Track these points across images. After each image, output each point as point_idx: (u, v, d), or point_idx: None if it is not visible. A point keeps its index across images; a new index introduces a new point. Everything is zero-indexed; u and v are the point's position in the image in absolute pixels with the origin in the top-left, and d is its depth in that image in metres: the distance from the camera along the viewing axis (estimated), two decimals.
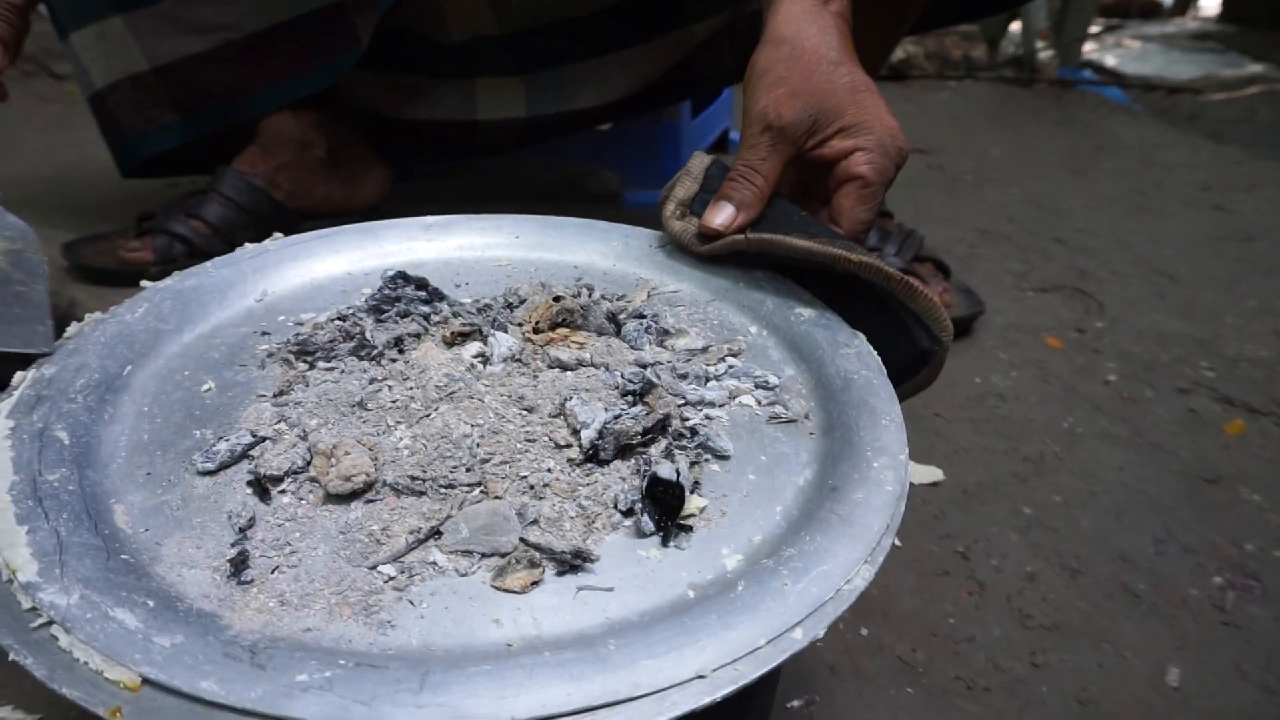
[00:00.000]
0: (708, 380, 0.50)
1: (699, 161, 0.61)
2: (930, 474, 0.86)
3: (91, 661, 0.31)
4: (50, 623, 0.33)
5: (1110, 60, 3.03)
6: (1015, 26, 2.77)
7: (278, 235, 0.62)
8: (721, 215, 0.56)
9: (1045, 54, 2.54)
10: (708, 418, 0.47)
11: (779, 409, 0.48)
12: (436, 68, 1.18)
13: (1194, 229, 1.52)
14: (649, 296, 0.58)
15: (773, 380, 0.50)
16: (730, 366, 0.51)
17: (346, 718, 0.30)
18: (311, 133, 1.18)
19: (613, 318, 0.54)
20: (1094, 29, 3.27)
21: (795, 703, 0.61)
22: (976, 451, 0.91)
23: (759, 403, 0.48)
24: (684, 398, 0.48)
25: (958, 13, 1.15)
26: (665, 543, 0.39)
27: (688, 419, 0.46)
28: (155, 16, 1.08)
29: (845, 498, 0.40)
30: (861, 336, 0.53)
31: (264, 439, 0.44)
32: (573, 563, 0.37)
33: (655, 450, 0.44)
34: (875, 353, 0.51)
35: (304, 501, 0.41)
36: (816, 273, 0.55)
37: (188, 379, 0.49)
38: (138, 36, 1.10)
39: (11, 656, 0.31)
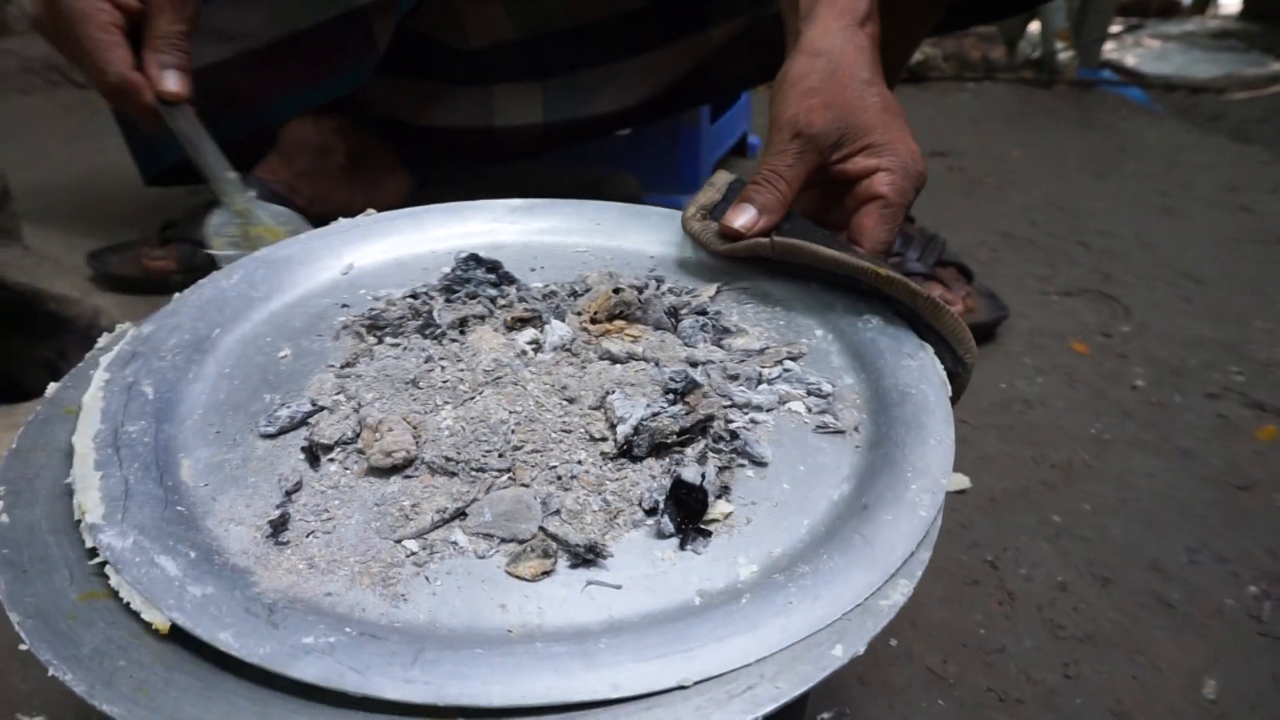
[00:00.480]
0: (759, 383, 0.49)
1: (722, 177, 0.61)
2: (958, 481, 0.85)
3: (133, 601, 0.34)
4: (105, 563, 0.36)
5: (1130, 60, 2.98)
6: (1034, 27, 2.74)
7: (370, 210, 0.64)
8: (743, 217, 0.56)
9: (1065, 55, 2.51)
10: (753, 422, 0.46)
11: (828, 418, 0.46)
12: (454, 74, 1.18)
13: (1220, 231, 1.49)
14: (718, 292, 0.57)
15: (826, 388, 0.48)
16: (785, 370, 0.50)
17: (340, 683, 0.31)
18: (331, 139, 1.19)
19: (673, 312, 0.54)
20: (1113, 29, 3.24)
21: (826, 715, 0.61)
22: (1003, 458, 0.90)
23: (808, 410, 0.47)
24: (731, 399, 0.47)
25: (979, 14, 1.14)
26: (683, 546, 0.39)
27: (732, 421, 0.46)
28: None
29: (873, 518, 0.39)
30: (928, 348, 0.51)
31: (322, 408, 0.46)
32: (586, 557, 0.38)
33: (691, 451, 0.44)
34: (940, 367, 0.50)
35: (349, 471, 0.42)
36: (838, 287, 0.55)
37: (268, 345, 0.52)
38: None
39: (51, 672, 0.32)
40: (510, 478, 0.41)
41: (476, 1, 1.10)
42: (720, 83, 1.22)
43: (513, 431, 0.43)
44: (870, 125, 0.56)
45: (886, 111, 0.57)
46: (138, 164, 1.24)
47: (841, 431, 0.46)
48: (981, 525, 0.80)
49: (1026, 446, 0.91)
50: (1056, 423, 0.96)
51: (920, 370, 0.49)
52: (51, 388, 0.47)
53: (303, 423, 0.45)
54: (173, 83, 0.72)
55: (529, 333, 0.51)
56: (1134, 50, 3.16)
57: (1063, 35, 2.49)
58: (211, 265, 0.58)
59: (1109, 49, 2.91)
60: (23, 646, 0.33)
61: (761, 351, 0.51)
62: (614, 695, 0.31)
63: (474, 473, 0.41)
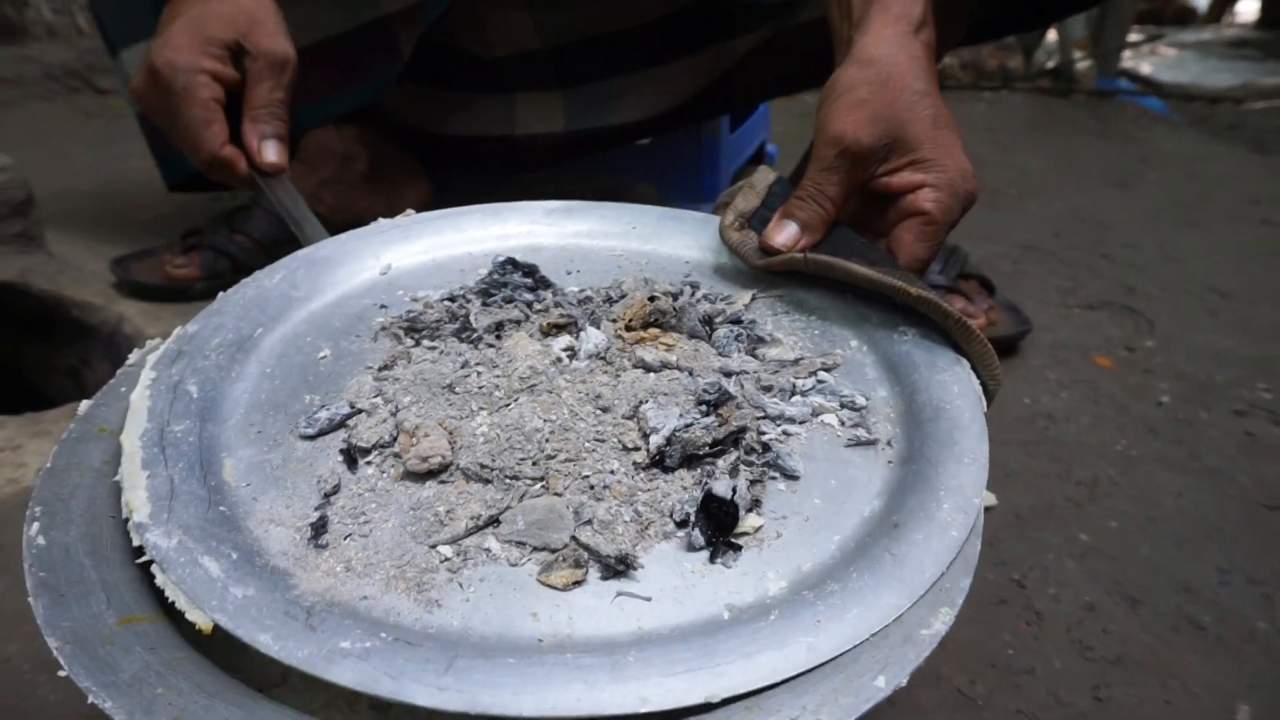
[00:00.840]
0: (793, 394, 0.49)
1: (763, 177, 0.60)
2: (985, 498, 0.84)
3: (178, 601, 0.35)
4: (150, 562, 0.36)
5: (1146, 69, 2.95)
6: (1051, 36, 2.72)
7: (410, 211, 0.64)
8: (785, 235, 0.55)
9: (1082, 64, 2.50)
10: (785, 434, 0.46)
11: (861, 432, 0.46)
12: (476, 82, 1.18)
13: (1244, 244, 1.47)
14: (753, 300, 0.57)
15: (860, 401, 0.48)
16: (819, 382, 0.50)
17: (375, 688, 0.32)
18: (354, 147, 1.19)
19: (708, 321, 0.54)
20: (1131, 37, 3.22)
21: None
22: (1028, 475, 0.89)
23: (842, 423, 0.47)
24: (764, 411, 0.47)
25: (1000, 28, 1.13)
26: (713, 559, 0.39)
27: (764, 433, 0.45)
28: None
29: (904, 536, 0.39)
30: (964, 363, 0.50)
31: (360, 411, 0.46)
32: (617, 567, 0.38)
33: (723, 463, 0.44)
34: (977, 381, 0.49)
35: (385, 475, 0.43)
36: (874, 298, 0.54)
37: (308, 345, 0.53)
38: None
39: (90, 699, 0.31)
40: (543, 486, 0.42)
41: (500, 10, 1.10)
42: (743, 93, 1.22)
43: (547, 440, 0.44)
44: (919, 139, 0.55)
45: (937, 125, 0.55)
46: (161, 170, 1.25)
47: (874, 446, 0.46)
48: (1008, 543, 0.79)
49: (1051, 462, 0.91)
50: (1081, 438, 0.95)
51: (956, 384, 0.48)
52: (84, 405, 0.47)
53: (341, 425, 0.46)
54: (271, 153, 0.74)
55: (564, 339, 0.51)
56: (1150, 59, 3.14)
57: (1080, 44, 2.47)
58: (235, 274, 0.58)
59: (1125, 58, 2.89)
60: (61, 673, 0.33)
61: (796, 362, 0.51)
62: (641, 709, 0.31)
63: (508, 480, 0.42)
